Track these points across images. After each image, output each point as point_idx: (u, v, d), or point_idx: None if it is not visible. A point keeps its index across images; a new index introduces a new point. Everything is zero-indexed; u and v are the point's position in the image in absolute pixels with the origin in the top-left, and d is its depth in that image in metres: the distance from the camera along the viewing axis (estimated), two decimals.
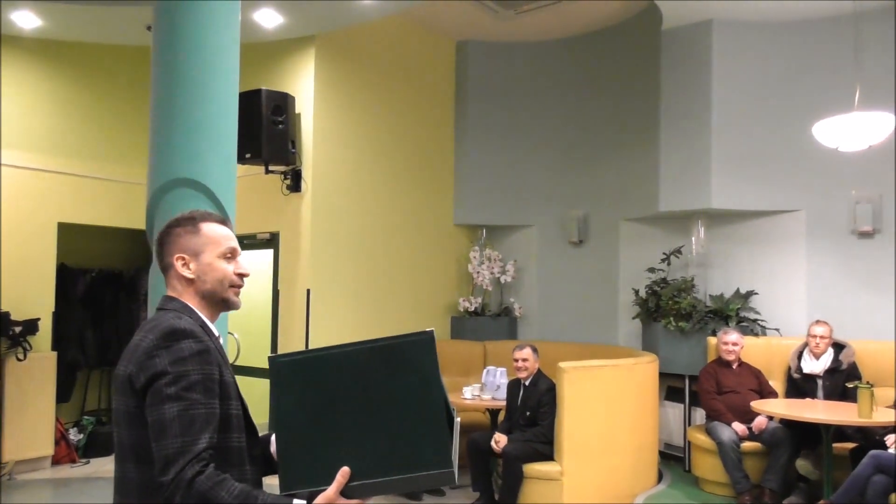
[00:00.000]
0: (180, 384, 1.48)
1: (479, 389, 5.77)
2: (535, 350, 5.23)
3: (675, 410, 6.31)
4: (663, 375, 6.07)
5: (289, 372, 1.56)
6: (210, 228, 1.71)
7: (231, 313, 1.93)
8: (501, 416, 5.48)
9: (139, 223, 6.84)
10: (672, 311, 6.00)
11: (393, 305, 6.79)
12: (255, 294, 6.55)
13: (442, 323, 7.36)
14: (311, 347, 1.62)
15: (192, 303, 1.67)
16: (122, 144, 6.84)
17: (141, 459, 1.52)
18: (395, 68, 6.91)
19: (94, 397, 7.43)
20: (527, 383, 5.20)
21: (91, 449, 6.66)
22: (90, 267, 7.29)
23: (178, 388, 1.48)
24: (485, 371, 5.88)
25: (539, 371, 5.22)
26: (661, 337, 6.11)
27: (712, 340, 5.76)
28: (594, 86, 7.22)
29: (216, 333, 1.67)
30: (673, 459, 6.24)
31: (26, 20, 5.78)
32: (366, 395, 1.52)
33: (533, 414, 5.06)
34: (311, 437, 1.53)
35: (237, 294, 1.73)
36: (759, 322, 5.96)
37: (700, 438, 5.36)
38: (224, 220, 1.78)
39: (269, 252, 6.43)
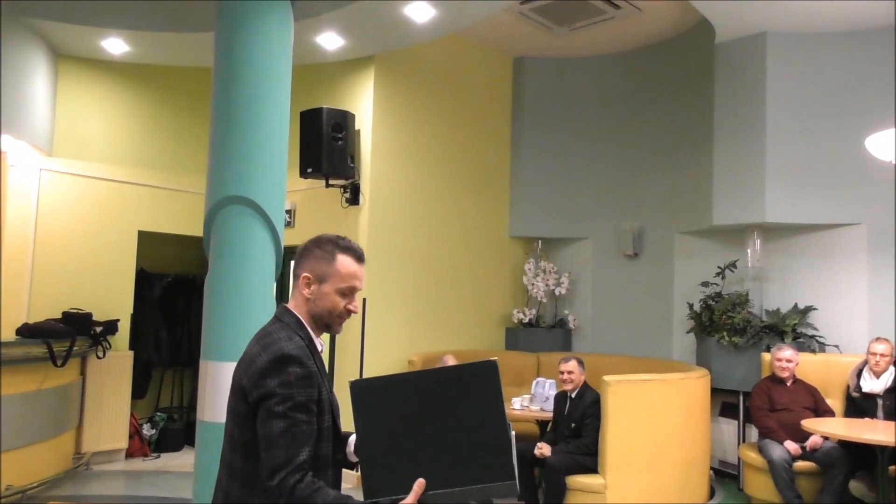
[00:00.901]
0: (287, 404, 1.70)
1: (528, 400, 5.85)
2: (580, 362, 5.29)
3: (730, 427, 6.21)
4: (718, 391, 6.01)
5: (368, 394, 1.78)
6: (343, 262, 1.87)
7: None
8: (550, 428, 5.55)
9: None
10: (726, 326, 5.92)
11: (448, 316, 6.95)
12: None
13: (496, 334, 7.48)
14: (384, 375, 1.88)
15: (304, 318, 1.87)
16: (197, 158, 7.27)
17: (248, 455, 1.77)
18: (452, 84, 7.11)
19: (167, 395, 7.89)
20: (573, 395, 5.26)
21: (162, 444, 7.09)
22: (166, 272, 7.77)
23: (285, 408, 1.70)
24: (534, 382, 5.96)
25: (585, 384, 5.27)
26: (714, 352, 6.04)
27: (767, 356, 5.66)
28: (648, 99, 7.22)
29: (319, 348, 1.88)
30: (728, 477, 6.14)
31: (116, 46, 6.27)
32: (437, 415, 1.72)
33: (578, 426, 5.11)
34: (389, 451, 1.74)
35: (341, 324, 1.92)
36: (817, 338, 5.81)
37: (752, 456, 5.28)
38: (361, 257, 1.93)
39: None
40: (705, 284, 6.32)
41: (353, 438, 1.92)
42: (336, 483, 1.84)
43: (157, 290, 7.63)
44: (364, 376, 6.10)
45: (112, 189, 6.80)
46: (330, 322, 1.88)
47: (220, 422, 3.39)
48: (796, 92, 5.99)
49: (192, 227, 7.19)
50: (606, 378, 4.94)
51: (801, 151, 5.96)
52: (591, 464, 4.94)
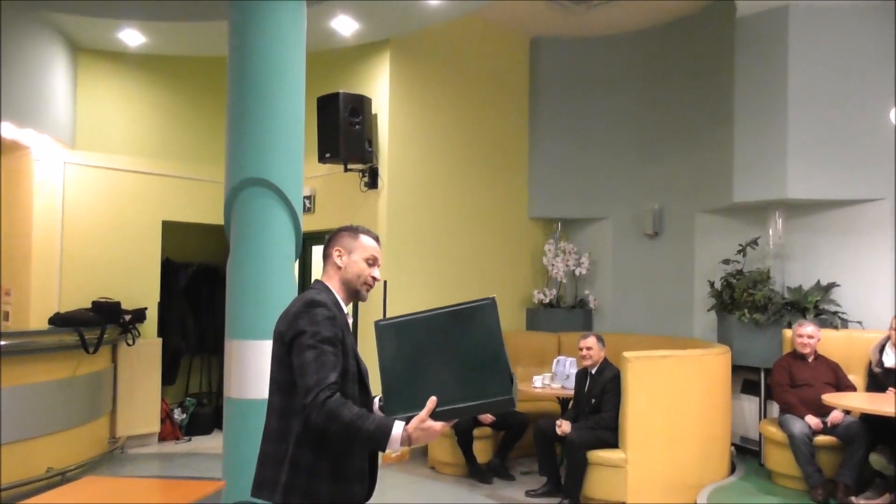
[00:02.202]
0: (316, 338, 2.01)
1: (549, 378, 5.90)
2: (599, 339, 5.32)
3: (751, 404, 6.20)
4: (739, 368, 6.00)
5: (388, 332, 2.07)
6: (365, 239, 2.27)
7: None
8: (571, 405, 5.60)
9: None
10: (747, 304, 5.90)
11: (468, 297, 6.98)
12: None
13: (517, 315, 7.52)
14: (402, 314, 2.16)
15: (335, 286, 2.22)
16: (218, 148, 7.32)
17: (283, 391, 2.08)
18: (468, 66, 7.12)
19: (195, 381, 8.07)
20: (593, 372, 5.30)
21: (192, 427, 7.26)
22: (191, 262, 7.91)
23: (314, 340, 2.01)
24: (555, 361, 6.00)
25: (605, 360, 5.30)
26: (735, 329, 6.03)
27: (788, 333, 5.64)
28: (667, 77, 7.17)
29: (345, 311, 2.21)
30: (749, 453, 6.14)
31: (132, 38, 6.37)
32: (446, 345, 2.03)
33: (598, 402, 5.15)
34: (406, 377, 2.03)
35: (368, 290, 2.28)
36: (840, 315, 5.77)
37: (772, 431, 5.28)
38: (378, 239, 2.33)
39: None
40: (726, 262, 6.29)
41: (377, 399, 2.20)
42: None
43: (182, 280, 7.78)
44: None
45: (135, 180, 6.92)
46: (358, 287, 2.24)
47: (247, 398, 3.50)
48: (819, 65, 5.90)
49: (215, 216, 7.18)
50: (626, 354, 4.97)
51: (823, 126, 5.89)
52: (612, 439, 4.98)
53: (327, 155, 6.24)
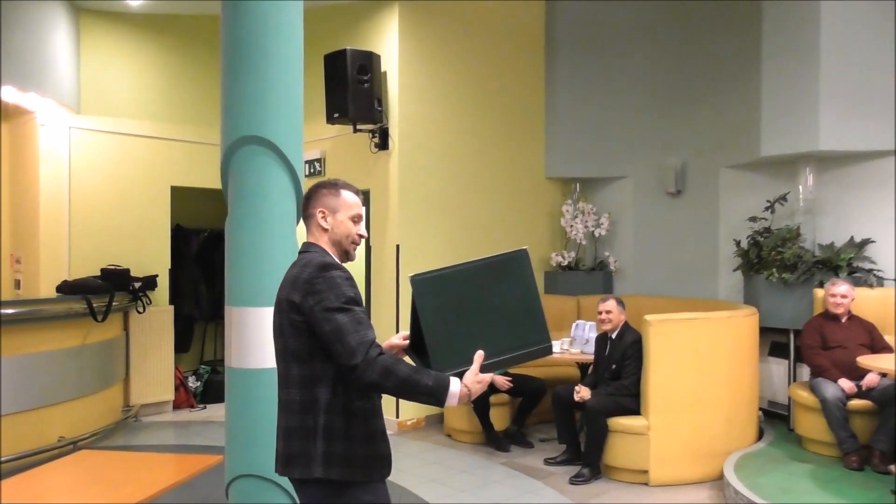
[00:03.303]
0: (341, 300, 1.96)
1: (567, 343, 5.72)
2: (620, 302, 5.11)
3: (780, 367, 5.98)
4: (767, 330, 5.78)
5: (427, 286, 2.05)
6: (347, 195, 2.19)
7: None
8: (591, 371, 5.42)
9: None
10: (775, 262, 5.65)
11: None
12: None
13: (535, 278, 7.29)
14: (437, 269, 2.14)
15: (330, 248, 2.15)
16: None
17: (302, 360, 2.02)
18: (481, 19, 6.80)
19: (210, 348, 8.01)
20: (613, 336, 5.10)
21: (207, 395, 7.21)
22: (202, 227, 7.79)
23: (341, 302, 1.95)
24: (574, 325, 5.81)
25: (626, 324, 5.10)
26: (763, 290, 5.78)
27: (820, 293, 5.39)
28: (689, 26, 6.80)
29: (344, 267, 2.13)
30: (778, 418, 5.94)
31: None
32: (483, 297, 2.05)
33: (618, 367, 4.96)
34: (450, 332, 2.03)
35: (355, 249, 2.22)
36: (875, 272, 5.50)
37: (803, 396, 5.06)
38: (358, 192, 2.25)
39: (363, 211, 6.59)
40: (753, 220, 6.02)
41: (396, 338, 2.25)
42: None
43: (193, 246, 7.67)
44: (401, 318, 6.04)
45: (142, 145, 6.77)
46: (347, 247, 2.18)
47: (249, 367, 3.36)
48: (854, 8, 5.52)
49: None
50: (648, 317, 4.76)
51: (857, 73, 5.53)
52: (633, 405, 4.80)
53: (336, 115, 6.02)
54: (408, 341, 2.25)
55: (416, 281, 2.06)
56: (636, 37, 7.11)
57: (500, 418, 5.63)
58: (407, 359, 2.17)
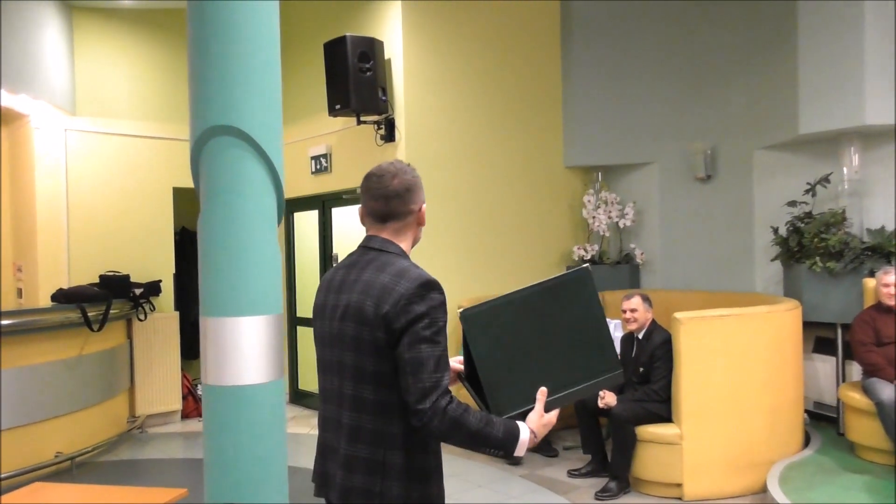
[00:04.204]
0: (433, 329, 1.75)
1: None
2: (645, 299, 4.68)
3: (826, 365, 5.49)
4: (810, 325, 5.31)
5: (479, 321, 1.86)
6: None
7: None
8: None
9: None
10: (818, 250, 5.17)
11: (501, 257, 6.40)
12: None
13: (556, 273, 6.88)
14: (488, 300, 1.92)
15: (407, 248, 1.92)
16: None
17: (379, 384, 1.80)
18: (492, 3, 6.38)
19: None
20: (640, 336, 4.68)
21: None
22: None
23: (432, 332, 1.74)
24: None
25: (654, 322, 4.68)
26: (805, 280, 5.30)
27: (870, 282, 4.90)
28: None
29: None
30: (825, 420, 5.46)
31: None
32: (544, 327, 1.87)
33: (647, 370, 4.55)
34: (507, 369, 1.85)
35: None
36: None
37: (854, 398, 4.59)
38: None
39: None
40: (792, 204, 5.54)
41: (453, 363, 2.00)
42: None
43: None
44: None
45: (142, 145, 6.50)
46: (417, 243, 2.00)
47: (227, 384, 3.02)
48: None
49: None
50: (678, 315, 4.33)
51: None
52: (663, 412, 4.38)
53: (337, 107, 5.67)
54: (462, 366, 2.02)
55: (467, 316, 1.87)
56: (658, 11, 6.63)
57: None
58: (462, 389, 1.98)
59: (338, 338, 1.89)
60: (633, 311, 4.63)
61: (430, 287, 1.78)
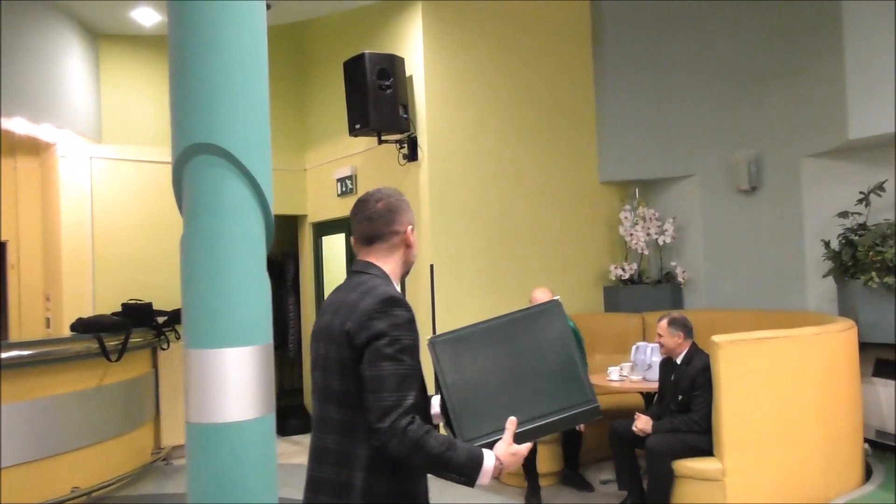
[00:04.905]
0: (396, 346, 1.73)
1: (628, 369, 4.97)
2: (674, 323, 4.29)
3: (889, 389, 5.01)
4: (869, 346, 4.89)
5: (449, 349, 1.89)
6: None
7: None
8: (655, 400, 4.65)
9: (284, 209, 6.94)
10: (875, 265, 4.76)
11: (531, 278, 6.09)
12: None
13: (593, 294, 6.56)
14: (458, 328, 1.95)
15: (394, 270, 1.94)
16: None
17: (344, 404, 1.80)
18: (515, 13, 6.17)
19: None
20: (679, 361, 4.32)
21: None
22: None
23: (394, 350, 1.73)
24: (634, 347, 5.06)
25: (694, 346, 4.32)
26: (861, 297, 4.88)
27: None
28: (757, 2, 5.95)
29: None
30: (889, 451, 4.97)
31: (146, 17, 5.87)
32: (514, 357, 1.88)
33: (686, 398, 4.18)
34: (476, 397, 1.85)
35: None
36: None
37: None
38: None
39: None
40: (844, 215, 5.15)
41: (436, 399, 1.99)
42: None
43: None
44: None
45: (167, 171, 6.38)
46: (411, 267, 2.01)
47: (211, 421, 2.83)
48: None
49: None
50: (716, 338, 3.97)
51: None
52: (704, 444, 4.01)
53: (357, 126, 5.52)
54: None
55: (435, 343, 1.90)
56: (693, 17, 6.32)
57: (550, 458, 4.90)
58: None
59: (314, 360, 1.91)
60: (659, 336, 4.29)
61: (393, 303, 1.76)
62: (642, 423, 4.13)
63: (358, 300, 1.81)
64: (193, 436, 2.86)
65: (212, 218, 2.74)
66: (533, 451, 4.73)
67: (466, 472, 1.71)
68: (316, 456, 1.87)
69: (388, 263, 1.93)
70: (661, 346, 4.29)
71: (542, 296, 4.57)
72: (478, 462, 1.72)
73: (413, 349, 1.78)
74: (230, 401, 2.73)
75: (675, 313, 4.48)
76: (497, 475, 1.76)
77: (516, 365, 1.88)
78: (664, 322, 4.29)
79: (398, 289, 1.92)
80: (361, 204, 1.98)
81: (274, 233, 3.03)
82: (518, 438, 1.79)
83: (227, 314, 2.68)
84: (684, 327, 4.30)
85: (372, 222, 1.94)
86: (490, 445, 1.77)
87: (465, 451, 1.72)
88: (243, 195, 2.77)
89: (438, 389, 1.93)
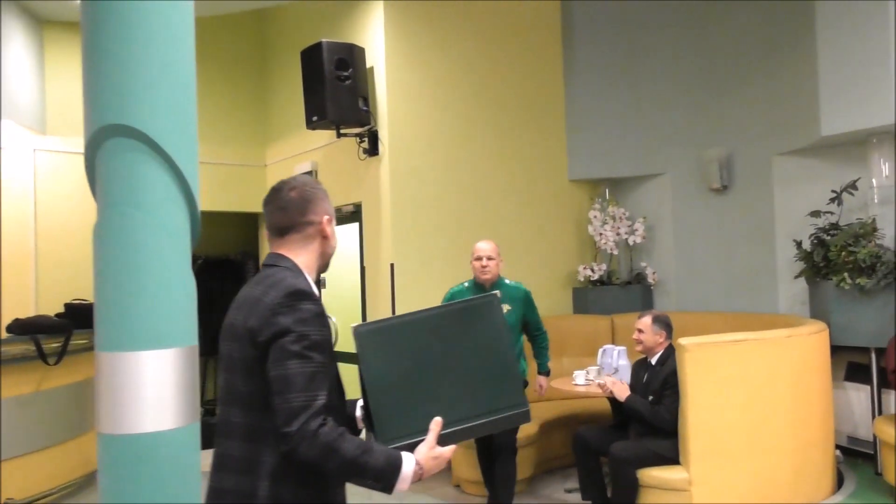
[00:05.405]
0: (303, 343, 1.59)
1: (595, 373, 4.77)
2: (658, 320, 4.10)
3: (861, 394, 4.88)
4: (840, 349, 4.75)
5: (373, 339, 1.74)
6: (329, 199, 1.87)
7: (325, 296, 1.55)
8: None
9: (243, 206, 6.68)
10: (847, 265, 4.60)
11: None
12: (345, 274, 6.00)
13: (561, 296, 6.37)
14: (387, 317, 1.86)
15: (309, 263, 1.80)
16: (217, 124, 6.64)
17: (249, 407, 1.66)
18: (484, 5, 5.96)
19: (210, 386, 7.32)
20: (653, 362, 4.13)
21: (207, 440, 6.48)
22: (196, 255, 7.13)
23: (301, 347, 1.59)
24: (600, 350, 4.87)
25: (670, 347, 4.12)
26: (834, 299, 4.73)
27: None
28: None
29: (317, 295, 1.73)
30: (861, 458, 4.83)
31: None
32: (444, 353, 1.75)
33: (657, 400, 3.99)
34: (400, 394, 1.71)
35: None
36: None
37: (891, 433, 3.98)
38: None
39: (355, 226, 5.84)
40: (816, 214, 5.00)
41: (360, 403, 1.86)
42: None
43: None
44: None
45: None
46: (329, 260, 1.88)
47: (126, 433, 2.57)
48: None
49: (221, 201, 6.51)
50: (683, 341, 3.79)
51: None
52: (670, 452, 3.82)
53: (314, 118, 5.29)
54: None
55: (360, 333, 1.76)
56: (665, 13, 6.17)
57: (520, 463, 4.64)
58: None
59: (224, 359, 1.76)
60: (640, 331, 4.10)
61: (299, 296, 1.63)
62: (615, 388, 3.97)
63: (261, 295, 1.68)
64: (105, 448, 2.60)
65: (128, 207, 2.48)
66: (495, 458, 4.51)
67: (384, 478, 1.59)
68: (218, 464, 1.73)
69: (302, 255, 1.80)
70: (639, 342, 4.10)
71: (485, 247, 4.31)
72: (396, 466, 1.60)
73: (322, 345, 1.64)
74: (146, 409, 2.47)
75: (658, 311, 4.30)
76: (417, 480, 1.63)
77: (446, 362, 1.75)
78: (648, 319, 4.09)
79: (312, 284, 1.76)
80: (274, 193, 1.84)
81: (200, 227, 2.78)
82: (443, 440, 1.67)
83: (143, 313, 2.42)
84: (668, 326, 4.12)
85: (285, 212, 1.81)
86: (412, 447, 1.65)
87: (382, 454, 1.60)
88: (164, 183, 2.51)
89: (363, 388, 1.77)
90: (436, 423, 1.67)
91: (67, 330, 5.12)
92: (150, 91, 2.48)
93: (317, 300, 1.68)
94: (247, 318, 1.67)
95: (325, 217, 1.82)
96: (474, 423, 1.74)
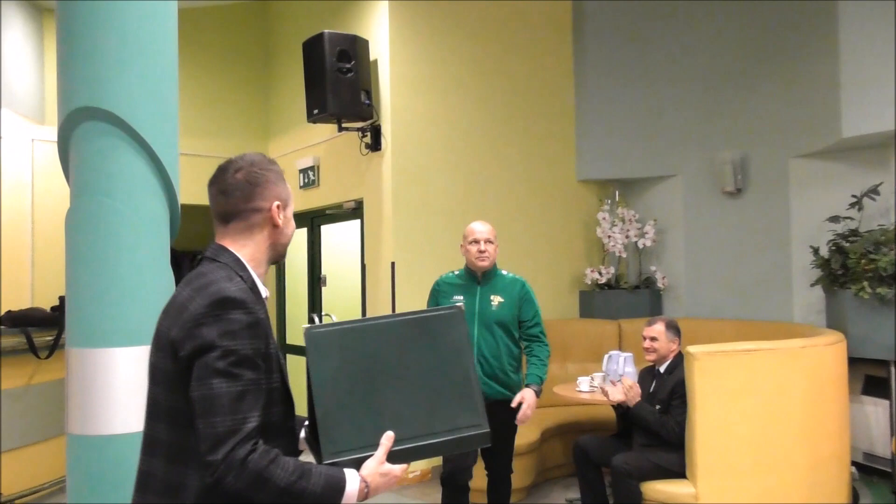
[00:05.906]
0: (230, 359, 1.42)
1: (600, 380, 4.60)
2: (671, 327, 3.93)
3: (878, 409, 4.67)
4: (858, 362, 4.57)
5: (326, 342, 1.63)
6: (284, 179, 1.68)
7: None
8: None
9: None
10: (866, 273, 4.41)
11: None
12: (346, 272, 5.86)
13: (567, 299, 6.20)
14: (343, 321, 1.67)
15: (257, 256, 1.61)
16: (215, 117, 6.52)
17: (174, 423, 1.50)
18: None
19: None
20: (661, 370, 3.96)
21: None
22: (197, 249, 7.01)
23: (227, 364, 1.42)
24: (606, 357, 4.69)
25: (680, 355, 3.94)
26: (851, 309, 4.54)
27: None
28: None
29: (264, 294, 1.60)
30: (877, 475, 4.63)
31: None
32: (402, 364, 1.66)
33: (664, 409, 3.82)
34: (351, 404, 1.58)
35: None
36: None
37: None
38: None
39: (357, 223, 5.70)
40: (834, 220, 4.82)
41: (305, 423, 1.72)
42: (291, 455, 1.53)
43: (185, 270, 6.87)
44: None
45: None
46: (284, 250, 1.69)
47: (95, 433, 2.45)
48: None
49: None
50: (692, 349, 3.61)
51: None
52: (675, 465, 3.64)
53: (315, 111, 5.14)
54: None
55: (312, 335, 1.63)
56: (677, 11, 5.98)
57: (522, 471, 4.46)
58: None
59: (150, 368, 1.57)
60: (653, 339, 3.91)
61: (226, 305, 1.43)
62: (630, 391, 3.77)
63: (187, 300, 1.48)
64: (74, 450, 2.48)
65: (101, 196, 2.36)
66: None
67: (325, 502, 1.45)
68: (141, 483, 1.55)
69: (247, 247, 1.60)
70: (653, 351, 3.92)
71: (482, 228, 3.80)
72: (338, 488, 1.46)
73: (253, 360, 1.45)
74: (118, 410, 2.35)
75: (668, 317, 4.12)
76: (363, 499, 1.50)
77: (403, 372, 1.64)
78: (661, 326, 3.91)
79: (257, 281, 1.59)
80: (218, 174, 1.61)
81: (180, 220, 2.65)
82: (394, 458, 1.54)
83: (116, 308, 2.30)
84: (680, 333, 3.95)
85: (227, 197, 1.58)
86: (360, 462, 1.52)
87: (321, 477, 1.45)
88: (141, 172, 2.39)
89: (309, 398, 1.62)
90: (387, 438, 1.55)
91: (60, 323, 5.01)
92: (125, 73, 2.35)
93: (249, 308, 1.47)
94: (170, 327, 1.49)
95: (276, 203, 1.61)
96: (429, 442, 1.61)
